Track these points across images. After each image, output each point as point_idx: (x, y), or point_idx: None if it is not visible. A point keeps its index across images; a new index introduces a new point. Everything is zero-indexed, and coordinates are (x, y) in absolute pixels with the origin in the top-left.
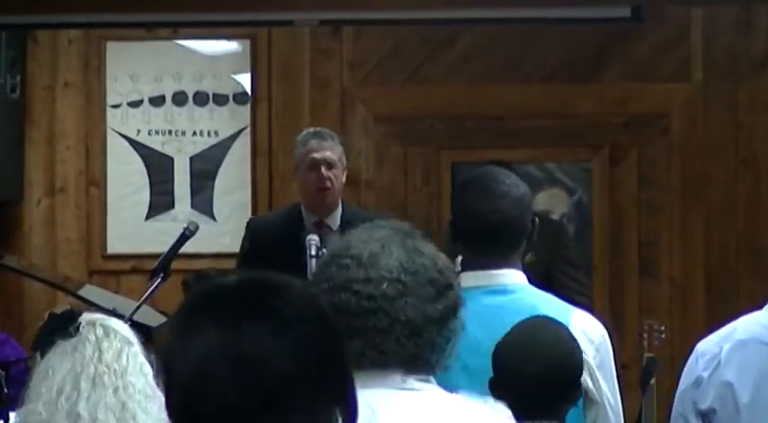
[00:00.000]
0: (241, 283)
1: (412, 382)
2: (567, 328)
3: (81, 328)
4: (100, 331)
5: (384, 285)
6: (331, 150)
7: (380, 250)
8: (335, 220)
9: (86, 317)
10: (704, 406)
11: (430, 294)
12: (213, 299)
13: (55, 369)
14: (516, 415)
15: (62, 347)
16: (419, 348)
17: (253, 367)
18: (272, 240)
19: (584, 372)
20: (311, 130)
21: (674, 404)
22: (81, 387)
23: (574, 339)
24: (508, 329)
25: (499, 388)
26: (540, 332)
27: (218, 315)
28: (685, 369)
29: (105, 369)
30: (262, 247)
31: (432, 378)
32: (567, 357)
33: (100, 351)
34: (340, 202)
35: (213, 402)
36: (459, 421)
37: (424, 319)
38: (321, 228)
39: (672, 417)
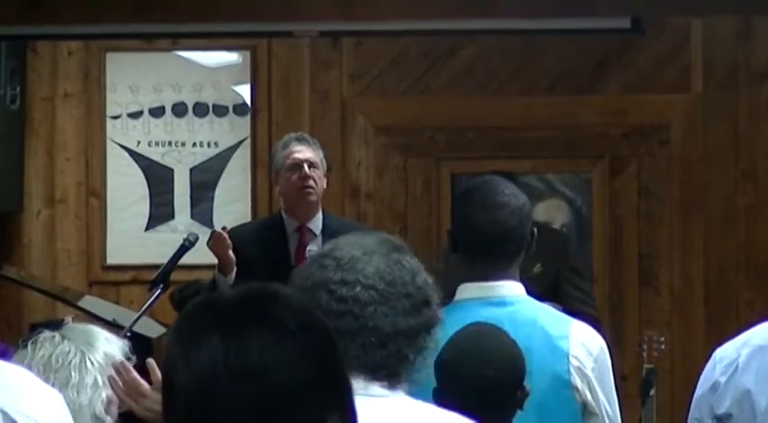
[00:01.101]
0: (242, 294)
1: (375, 388)
2: (507, 334)
3: (31, 341)
4: (46, 343)
5: (358, 289)
6: (313, 152)
7: (362, 256)
8: (317, 224)
9: (69, 326)
10: (721, 411)
11: (404, 307)
12: (215, 310)
13: None
14: None
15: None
16: (384, 358)
17: (259, 378)
18: (254, 248)
19: (582, 383)
20: (292, 134)
21: (691, 409)
22: None
23: (516, 344)
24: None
25: (444, 397)
26: (485, 339)
27: (221, 326)
28: (702, 375)
29: None
30: (243, 255)
31: (399, 388)
32: (515, 361)
33: (29, 367)
34: (320, 207)
35: (223, 416)
36: None
37: (392, 329)
38: (303, 233)
39: (688, 422)
